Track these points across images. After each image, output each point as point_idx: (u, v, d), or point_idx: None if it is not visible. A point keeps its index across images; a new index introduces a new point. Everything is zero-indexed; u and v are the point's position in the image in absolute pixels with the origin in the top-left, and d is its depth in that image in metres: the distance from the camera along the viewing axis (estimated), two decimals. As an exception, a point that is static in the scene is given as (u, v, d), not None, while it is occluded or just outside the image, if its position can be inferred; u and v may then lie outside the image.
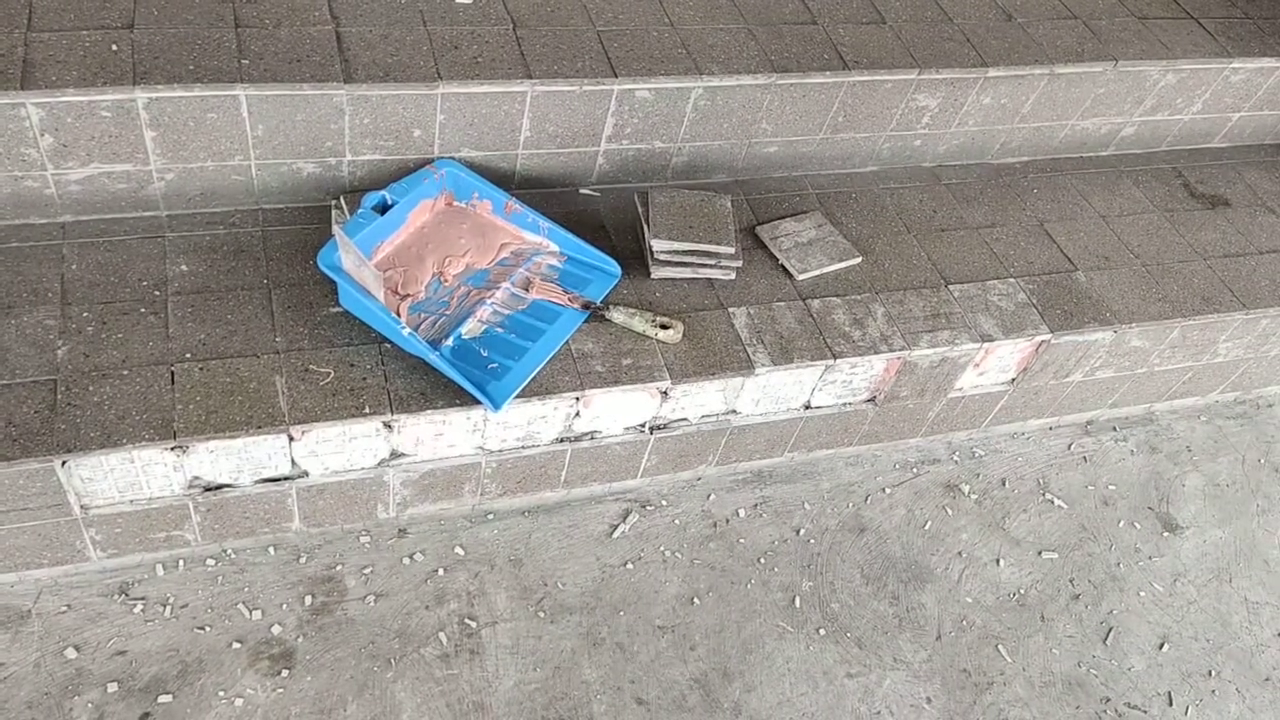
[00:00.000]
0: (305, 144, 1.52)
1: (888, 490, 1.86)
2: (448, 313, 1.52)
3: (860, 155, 1.93)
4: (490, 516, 1.67)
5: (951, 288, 1.76)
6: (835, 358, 1.61)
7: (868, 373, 1.69)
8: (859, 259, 1.76)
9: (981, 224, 1.90)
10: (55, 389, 1.30)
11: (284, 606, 1.49)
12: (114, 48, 1.42)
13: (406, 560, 1.58)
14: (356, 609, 1.51)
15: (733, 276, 1.67)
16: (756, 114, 1.75)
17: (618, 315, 1.55)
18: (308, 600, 1.50)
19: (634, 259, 1.66)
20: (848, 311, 1.68)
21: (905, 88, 1.81)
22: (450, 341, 1.48)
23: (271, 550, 1.54)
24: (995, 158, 2.06)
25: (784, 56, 1.73)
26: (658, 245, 1.62)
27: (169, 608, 1.45)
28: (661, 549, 1.69)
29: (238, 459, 1.38)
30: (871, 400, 1.76)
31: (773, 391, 1.65)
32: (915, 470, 1.91)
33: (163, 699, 1.37)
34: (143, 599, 1.46)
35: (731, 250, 1.63)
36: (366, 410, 1.38)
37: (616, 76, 1.61)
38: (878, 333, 1.66)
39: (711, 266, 1.64)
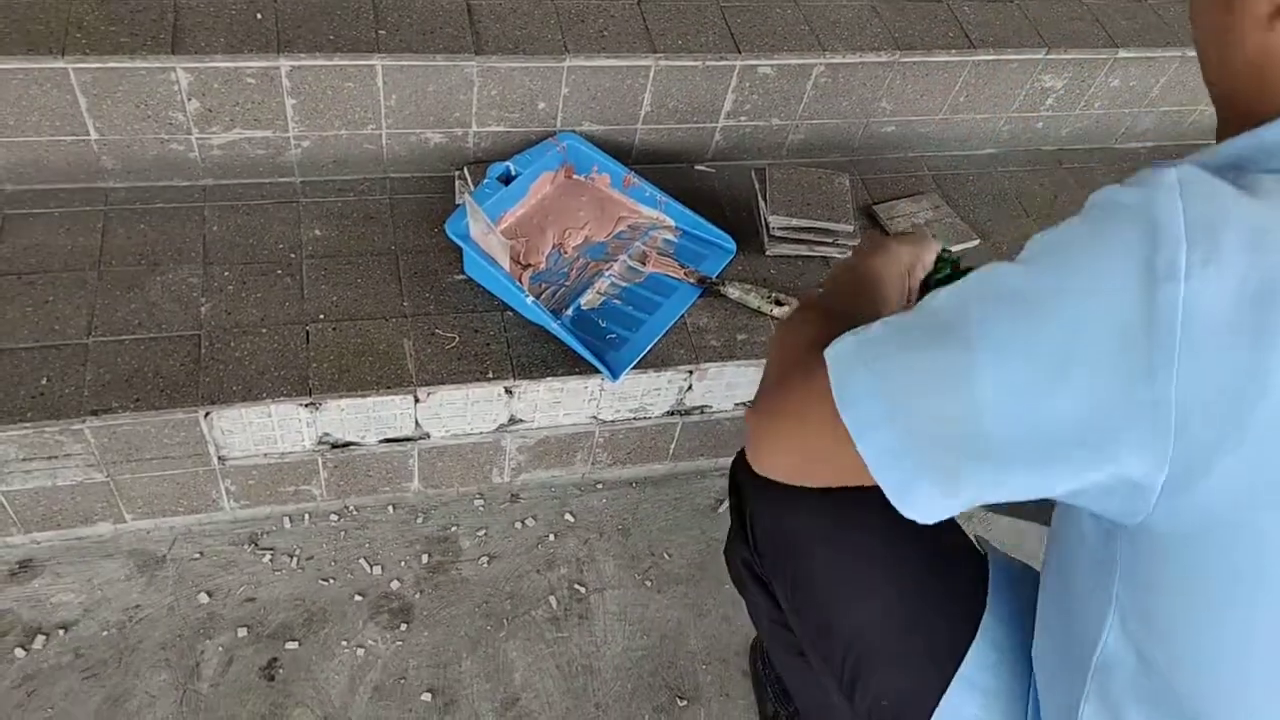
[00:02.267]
0: (434, 114, 1.56)
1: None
2: (567, 284, 1.54)
3: (979, 137, 1.90)
4: (599, 486, 1.69)
5: (1072, 273, 1.72)
6: (952, 340, 1.59)
7: (984, 357, 1.66)
8: (977, 241, 1.73)
9: (1104, 209, 1.86)
10: (199, 343, 1.36)
11: (403, 564, 1.54)
12: (259, 16, 1.47)
13: (518, 525, 1.61)
14: (470, 569, 1.55)
15: (848, 254, 1.66)
16: (877, 92, 1.73)
17: (733, 290, 1.56)
18: (425, 559, 1.55)
19: (749, 235, 1.66)
20: (965, 294, 1.65)
21: (1031, 68, 1.77)
22: (570, 311, 1.50)
23: (391, 509, 1.59)
24: (1119, 142, 2.00)
25: (908, 34, 1.71)
26: (775, 221, 1.62)
27: (295, 559, 1.51)
28: (767, 525, 1.69)
29: (366, 417, 1.42)
30: (985, 385, 1.74)
31: (886, 372, 1.64)
32: (1025, 458, 1.87)
33: (289, 645, 1.42)
34: (271, 549, 1.52)
35: (850, 228, 1.62)
36: (490, 375, 1.41)
37: (740, 52, 1.61)
38: (996, 316, 1.63)
39: (828, 244, 1.64)
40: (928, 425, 0.66)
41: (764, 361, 1.49)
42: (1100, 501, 0.65)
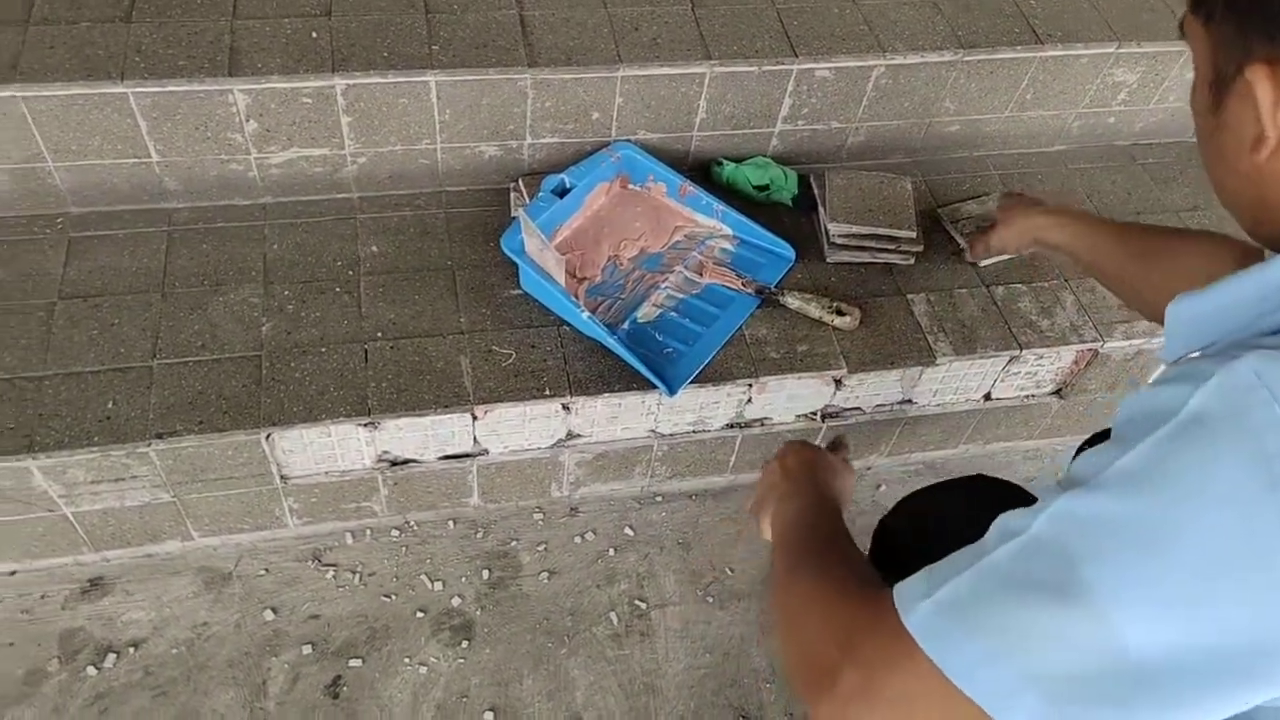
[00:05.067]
0: (489, 128, 1.55)
1: (1069, 486, 1.78)
2: (623, 296, 1.52)
3: (1048, 133, 1.83)
4: (658, 498, 1.67)
5: (1148, 275, 1.66)
6: (1021, 348, 1.54)
7: (1055, 364, 1.61)
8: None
9: (1181, 207, 1.78)
10: (260, 364, 1.37)
11: (463, 579, 1.53)
12: (314, 35, 1.47)
13: (578, 539, 1.60)
14: (531, 585, 1.54)
15: (912, 261, 1.61)
16: (940, 92, 1.68)
17: (792, 300, 1.52)
18: (485, 574, 1.54)
19: (808, 242, 1.62)
20: (1034, 300, 1.60)
21: (1102, 62, 1.71)
22: (626, 325, 1.48)
23: (451, 524, 1.59)
24: (1195, 136, 1.92)
25: (971, 31, 1.65)
26: (834, 228, 1.58)
27: (358, 575, 1.52)
28: (830, 538, 1.66)
29: (424, 435, 1.42)
30: (1057, 393, 1.68)
31: (952, 382, 1.59)
32: (1099, 466, 1.81)
33: (353, 663, 1.43)
34: (334, 565, 1.53)
35: (913, 234, 1.57)
36: (547, 392, 1.40)
37: (797, 56, 1.57)
38: (1067, 323, 1.57)
39: (890, 251, 1.59)
40: (1077, 685, 0.60)
41: (825, 373, 1.47)
42: None
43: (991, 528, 0.66)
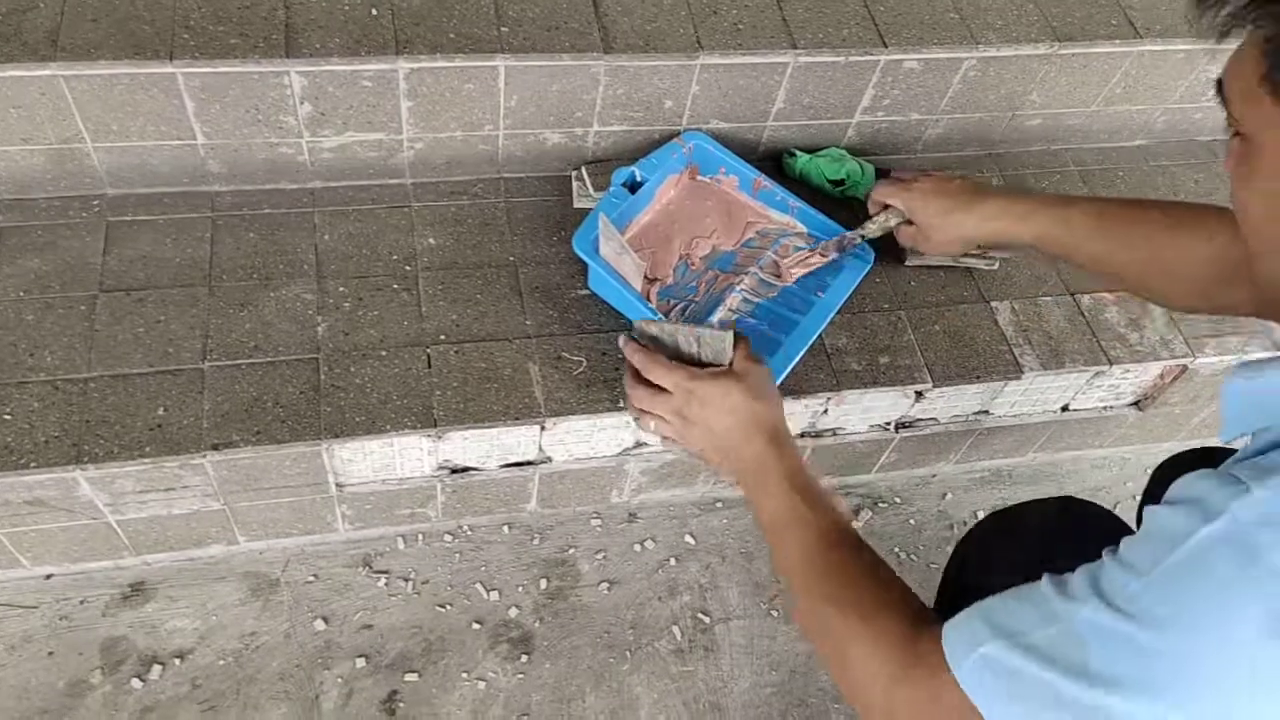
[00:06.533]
0: (555, 114, 1.45)
1: (1138, 497, 1.72)
2: (696, 299, 1.44)
3: (1130, 128, 1.75)
4: (719, 504, 1.61)
5: (1237, 286, 1.59)
6: (1110, 363, 1.47)
7: (1140, 378, 1.54)
8: (1131, 249, 1.59)
9: (1269, 212, 1.71)
10: (318, 368, 1.29)
11: (520, 589, 1.48)
12: (373, 11, 1.37)
13: (637, 547, 1.54)
14: (590, 595, 1.49)
15: (995, 266, 1.54)
16: (1028, 85, 1.59)
17: (873, 226, 1.42)
18: (543, 584, 1.48)
19: (886, 243, 1.54)
20: (1122, 311, 1.53)
21: (1199, 58, 1.62)
22: (701, 331, 1.40)
23: (506, 529, 1.53)
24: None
25: (1066, 22, 1.56)
26: (917, 232, 1.49)
27: (411, 583, 1.46)
28: (896, 550, 1.61)
29: (489, 445, 1.35)
30: (1136, 404, 1.62)
31: (1033, 394, 1.53)
32: (1168, 478, 1.76)
33: (409, 677, 1.38)
34: (386, 573, 1.46)
35: (1001, 240, 1.50)
36: (620, 404, 1.33)
37: (886, 46, 1.47)
38: (1157, 336, 1.51)
39: (975, 255, 1.52)
40: None
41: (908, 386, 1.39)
42: None
43: (1050, 592, 0.70)
